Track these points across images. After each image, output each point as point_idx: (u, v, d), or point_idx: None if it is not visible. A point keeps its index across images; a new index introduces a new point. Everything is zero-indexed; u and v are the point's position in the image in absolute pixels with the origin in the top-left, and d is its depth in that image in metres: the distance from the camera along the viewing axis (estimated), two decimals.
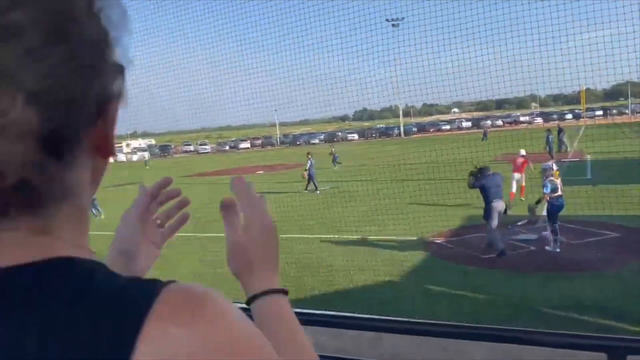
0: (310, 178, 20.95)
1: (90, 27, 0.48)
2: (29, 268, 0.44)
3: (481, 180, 10.05)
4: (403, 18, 37.77)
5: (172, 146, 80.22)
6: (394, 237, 11.61)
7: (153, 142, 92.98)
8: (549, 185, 9.79)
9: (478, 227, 11.27)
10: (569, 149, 27.81)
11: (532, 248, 10.07)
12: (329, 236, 12.30)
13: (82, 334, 0.40)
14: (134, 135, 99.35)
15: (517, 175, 15.49)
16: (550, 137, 24.45)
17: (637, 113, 68.63)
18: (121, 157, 70.80)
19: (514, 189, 15.30)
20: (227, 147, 77.88)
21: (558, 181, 9.93)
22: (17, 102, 0.42)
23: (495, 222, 9.77)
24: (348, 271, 9.36)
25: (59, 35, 0.45)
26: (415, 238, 11.53)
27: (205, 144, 79.50)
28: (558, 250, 9.61)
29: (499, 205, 9.88)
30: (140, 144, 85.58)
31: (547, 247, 9.77)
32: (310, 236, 12.51)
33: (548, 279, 8.31)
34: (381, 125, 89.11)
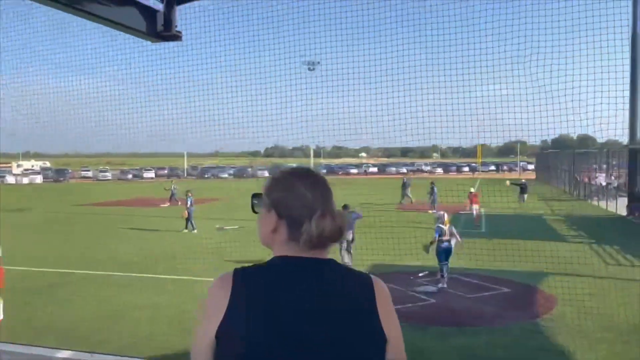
0: (189, 217, 20.55)
1: (299, 187, 1.38)
2: (329, 260, 1.37)
3: None
4: (319, 62, 38.76)
5: (69, 170, 75.12)
6: None
7: (48, 164, 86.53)
8: (438, 231, 11.31)
9: (386, 275, 11.38)
10: (403, 201, 31.01)
11: (432, 300, 10.36)
12: None
13: (355, 285, 1.37)
14: (27, 156, 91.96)
15: (475, 206, 21.99)
16: (435, 188, 26.29)
17: (525, 170, 75.04)
18: (10, 179, 64.89)
19: (475, 215, 21.70)
20: (130, 176, 74.29)
21: (446, 227, 11.36)
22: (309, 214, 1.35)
23: (342, 246, 12.54)
24: None
25: (291, 190, 1.39)
26: None
27: (105, 171, 75.14)
28: (445, 285, 11.08)
29: (346, 234, 11.86)
30: (32, 166, 79.23)
31: (439, 285, 11.13)
32: (209, 279, 12.01)
33: (446, 333, 8.54)
34: (292, 164, 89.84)
